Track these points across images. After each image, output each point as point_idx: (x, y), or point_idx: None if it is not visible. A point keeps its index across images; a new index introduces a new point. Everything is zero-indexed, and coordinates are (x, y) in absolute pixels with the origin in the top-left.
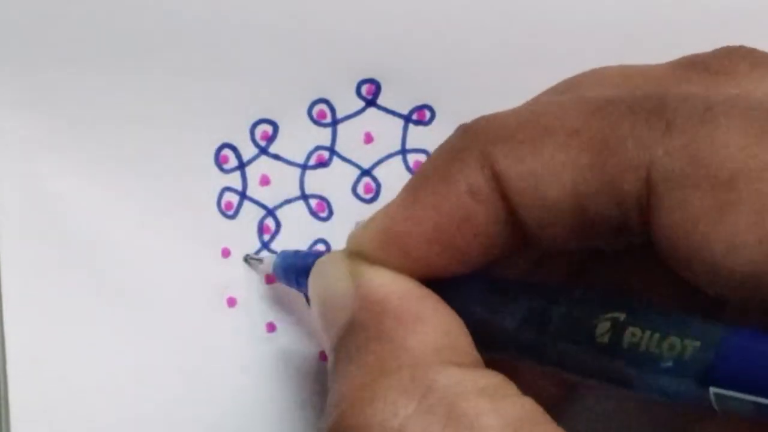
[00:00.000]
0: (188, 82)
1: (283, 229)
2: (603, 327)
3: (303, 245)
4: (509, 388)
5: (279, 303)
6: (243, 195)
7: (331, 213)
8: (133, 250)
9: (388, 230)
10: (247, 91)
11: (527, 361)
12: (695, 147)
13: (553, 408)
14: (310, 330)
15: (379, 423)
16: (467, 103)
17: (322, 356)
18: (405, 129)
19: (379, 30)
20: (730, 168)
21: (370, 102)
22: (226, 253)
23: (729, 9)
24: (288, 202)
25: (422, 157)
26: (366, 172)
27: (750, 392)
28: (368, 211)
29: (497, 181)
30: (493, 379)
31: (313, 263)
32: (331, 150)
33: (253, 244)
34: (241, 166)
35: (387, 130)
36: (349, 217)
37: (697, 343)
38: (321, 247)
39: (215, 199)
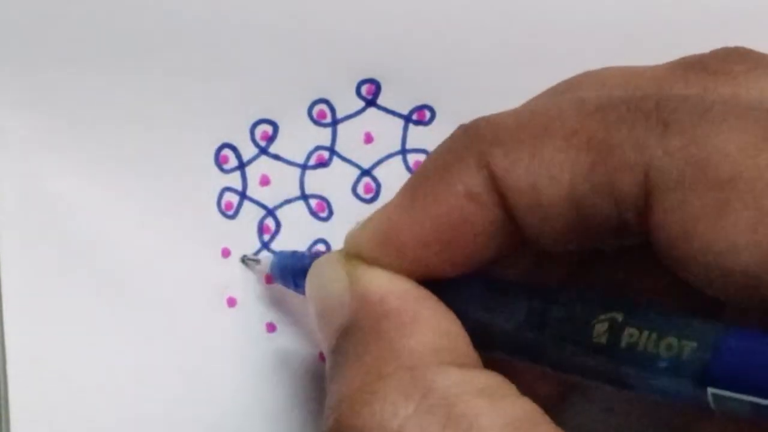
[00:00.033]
0: (188, 82)
1: (283, 229)
2: (601, 327)
3: (303, 245)
4: (508, 388)
5: (279, 303)
6: (243, 195)
7: (331, 213)
8: (133, 250)
9: (385, 231)
10: (247, 91)
11: (525, 362)
12: (694, 148)
13: (552, 408)
14: (310, 330)
15: (379, 423)
16: (467, 103)
17: (322, 356)
18: (405, 129)
19: (379, 30)
20: (728, 168)
21: (370, 102)
22: (226, 253)
23: (729, 9)
24: (288, 202)
25: (422, 157)
26: (366, 172)
27: (747, 392)
28: (368, 211)
29: (495, 182)
30: (491, 379)
31: (310, 264)
32: (331, 150)
33: (253, 244)
34: (241, 166)
35: (387, 130)
36: (349, 217)
37: (695, 344)
38: (321, 247)
39: (215, 199)
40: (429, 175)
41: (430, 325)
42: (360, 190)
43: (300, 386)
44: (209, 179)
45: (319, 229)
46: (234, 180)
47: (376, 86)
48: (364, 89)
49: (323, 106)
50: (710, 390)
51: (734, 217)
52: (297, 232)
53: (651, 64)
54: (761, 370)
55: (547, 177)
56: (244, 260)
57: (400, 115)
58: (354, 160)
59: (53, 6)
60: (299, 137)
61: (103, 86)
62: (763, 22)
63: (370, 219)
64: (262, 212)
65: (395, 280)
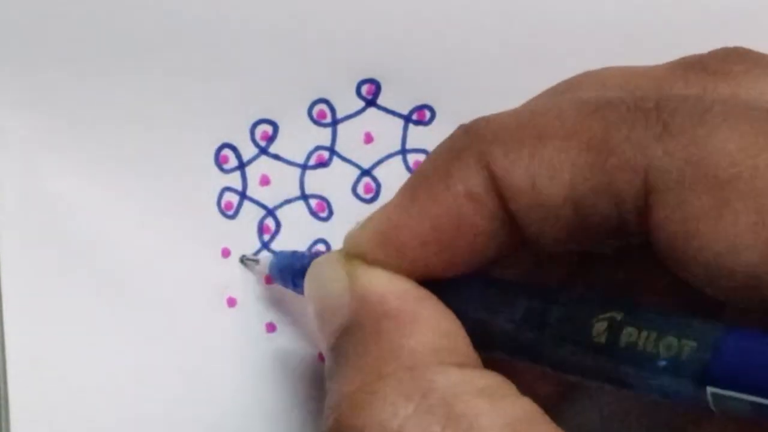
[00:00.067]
0: (188, 82)
1: (283, 229)
2: (600, 327)
3: (303, 245)
4: (508, 388)
5: (279, 303)
6: (243, 195)
7: (331, 213)
8: (133, 250)
9: (385, 231)
10: (247, 91)
11: (525, 362)
12: (694, 148)
13: (552, 408)
14: (310, 330)
15: (379, 423)
16: (467, 103)
17: (322, 357)
18: (405, 129)
19: (379, 30)
20: (728, 168)
21: (370, 102)
22: (226, 253)
23: (729, 9)
24: (288, 202)
25: (422, 157)
26: (366, 172)
27: (747, 392)
28: (368, 211)
29: (495, 182)
30: (491, 379)
31: (309, 264)
32: (331, 150)
33: (253, 244)
34: (241, 166)
35: (387, 130)
36: (349, 217)
37: (694, 343)
38: (321, 247)
39: (215, 199)
40: (429, 174)
41: (429, 325)
42: (360, 190)
43: (300, 386)
44: (209, 179)
45: (319, 229)
46: (234, 180)
47: (376, 86)
48: (364, 89)
49: (323, 106)
50: (710, 389)
51: (734, 217)
52: (297, 232)
53: (651, 64)
54: (761, 370)
55: (547, 177)
56: (243, 260)
57: (400, 115)
58: (354, 160)
59: (53, 6)
60: (299, 137)
61: (103, 86)
62: (763, 22)
63: (369, 219)
64: (262, 212)
65: (395, 280)
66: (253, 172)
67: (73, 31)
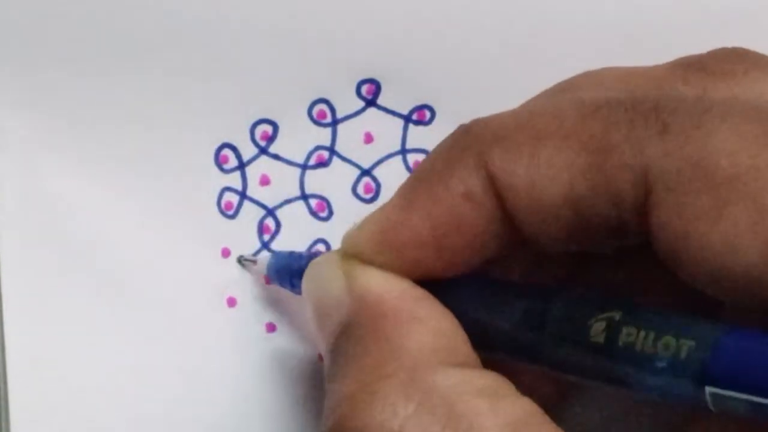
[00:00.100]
0: (188, 82)
1: (283, 229)
2: (598, 327)
3: (303, 245)
4: (508, 388)
5: (279, 303)
6: (243, 195)
7: (331, 213)
8: (133, 250)
9: (383, 231)
10: (247, 91)
11: (524, 362)
12: (693, 148)
13: (552, 408)
14: (310, 330)
15: (380, 424)
16: (467, 103)
17: (322, 357)
18: (405, 129)
19: (379, 30)
20: (728, 169)
21: (370, 102)
22: (226, 253)
23: (729, 9)
24: (288, 202)
25: (422, 157)
26: (366, 172)
27: (746, 392)
28: (368, 211)
29: (494, 182)
30: (491, 379)
31: (306, 264)
32: (331, 150)
33: (253, 244)
34: (241, 166)
35: (387, 130)
36: (349, 217)
37: (693, 343)
38: (321, 247)
39: (215, 199)
40: (427, 175)
41: (428, 326)
42: (360, 190)
43: (300, 386)
44: (209, 179)
45: (319, 229)
46: (234, 180)
47: (376, 86)
48: (364, 89)
49: (323, 106)
50: (708, 389)
51: (733, 217)
52: (297, 232)
53: (651, 64)
54: (760, 370)
55: (546, 177)
56: (241, 261)
57: (400, 115)
58: (354, 160)
59: (53, 6)
60: (299, 137)
61: (103, 86)
62: (763, 22)
63: (367, 219)
64: (262, 212)
65: (393, 281)
66: (253, 172)
67: (73, 31)
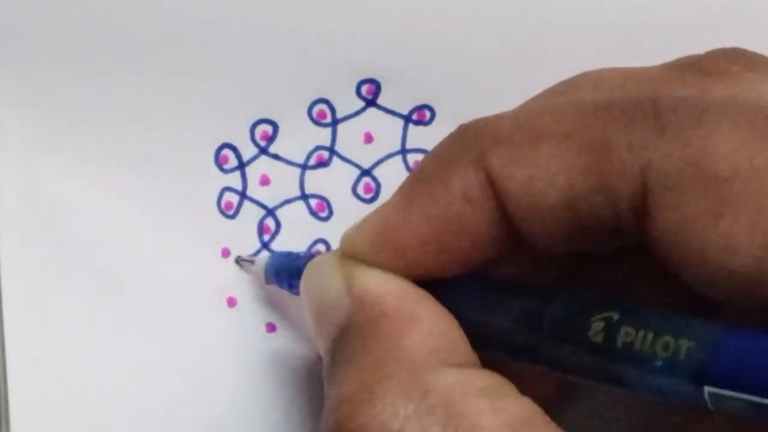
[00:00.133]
0: (188, 82)
1: (283, 229)
2: (597, 326)
3: (303, 245)
4: (508, 388)
5: (278, 303)
6: (243, 195)
7: (331, 213)
8: (133, 250)
9: (382, 231)
10: (247, 91)
11: (523, 362)
12: (691, 149)
13: (552, 408)
14: (308, 331)
15: (380, 424)
16: (467, 103)
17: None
18: (405, 129)
19: (379, 30)
20: (726, 169)
21: (370, 102)
22: (226, 253)
23: (729, 9)
24: (288, 202)
25: (422, 157)
26: (366, 172)
27: (745, 391)
28: (368, 211)
29: (492, 183)
30: (491, 379)
31: (304, 265)
32: (331, 150)
33: (253, 244)
34: (241, 166)
35: (387, 130)
36: (349, 217)
37: (691, 343)
38: (321, 247)
39: (215, 199)
40: (426, 175)
41: (428, 326)
42: (360, 190)
43: (300, 386)
44: (209, 179)
45: (319, 229)
46: (234, 180)
47: (376, 86)
48: (364, 89)
49: (323, 106)
50: (707, 389)
51: (732, 217)
52: (297, 232)
53: (650, 65)
54: (759, 370)
55: (545, 178)
56: (239, 261)
57: (400, 115)
58: (354, 160)
59: (53, 6)
60: (299, 137)
61: (103, 86)
62: (763, 22)
63: (366, 219)
64: (262, 212)
65: (392, 281)
66: (253, 172)
67: (73, 31)
